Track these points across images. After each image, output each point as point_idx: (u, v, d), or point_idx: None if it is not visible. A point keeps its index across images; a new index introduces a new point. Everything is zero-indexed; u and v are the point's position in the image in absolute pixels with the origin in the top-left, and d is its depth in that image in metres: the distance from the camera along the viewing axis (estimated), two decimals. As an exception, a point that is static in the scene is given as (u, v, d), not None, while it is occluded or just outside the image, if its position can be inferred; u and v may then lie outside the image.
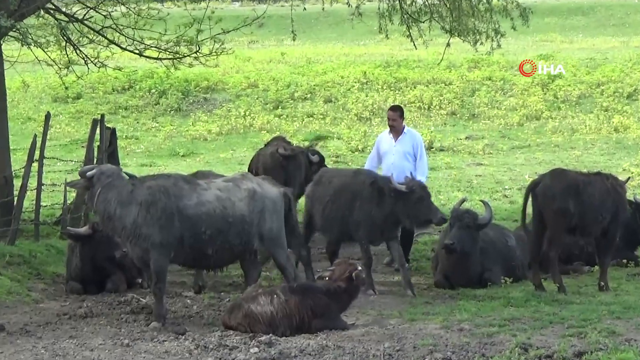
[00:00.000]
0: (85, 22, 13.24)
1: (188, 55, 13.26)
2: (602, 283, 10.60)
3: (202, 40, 12.88)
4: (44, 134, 13.00)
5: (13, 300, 10.02)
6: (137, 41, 13.19)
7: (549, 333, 8.55)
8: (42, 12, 13.02)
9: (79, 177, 9.44)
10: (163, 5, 13.94)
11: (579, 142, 22.39)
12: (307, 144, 17.78)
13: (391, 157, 11.94)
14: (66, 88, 19.84)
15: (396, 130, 12.03)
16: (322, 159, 13.77)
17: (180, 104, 26.51)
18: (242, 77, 28.45)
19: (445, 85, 26.81)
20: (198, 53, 13.14)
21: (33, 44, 12.14)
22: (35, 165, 12.70)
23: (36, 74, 26.65)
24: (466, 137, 23.00)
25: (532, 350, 7.90)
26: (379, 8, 13.79)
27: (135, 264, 9.85)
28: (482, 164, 20.29)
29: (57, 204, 14.14)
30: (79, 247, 10.60)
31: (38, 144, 12.67)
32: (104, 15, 13.31)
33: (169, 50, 13.23)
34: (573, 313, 9.26)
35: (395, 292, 10.67)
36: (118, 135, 15.31)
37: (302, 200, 14.57)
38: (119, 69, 14.47)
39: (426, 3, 13.83)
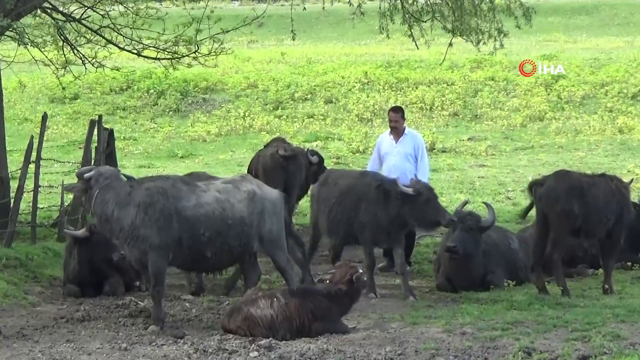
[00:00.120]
0: (83, 21, 13.22)
1: (187, 55, 13.22)
2: (607, 286, 10.56)
3: (201, 40, 12.83)
4: (41, 135, 12.96)
5: (9, 304, 9.96)
6: (135, 41, 13.16)
7: (553, 337, 8.49)
8: (39, 11, 12.98)
9: (76, 179, 9.40)
10: (161, 4, 13.90)
11: (582, 143, 22.33)
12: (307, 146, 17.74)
13: (392, 158, 11.90)
14: (63, 88, 19.83)
15: (397, 132, 11.99)
16: (321, 159, 13.72)
17: (179, 104, 26.44)
18: (242, 77, 28.40)
19: (448, 85, 26.76)
20: (197, 53, 13.10)
21: (30, 44, 12.17)
22: (32, 166, 12.67)
23: (33, 74, 26.58)
24: (468, 138, 22.94)
25: (536, 355, 7.88)
26: (380, 7, 13.73)
27: (133, 267, 9.77)
28: (484, 166, 20.23)
29: (54, 205, 14.10)
30: (77, 249, 10.55)
31: (35, 145, 12.63)
32: (101, 15, 13.28)
33: (167, 50, 13.19)
34: (577, 316, 9.20)
35: (396, 295, 10.62)
36: (116, 136, 15.28)
37: (302, 202, 14.63)
38: (116, 69, 14.39)
39: (428, 2, 13.77)
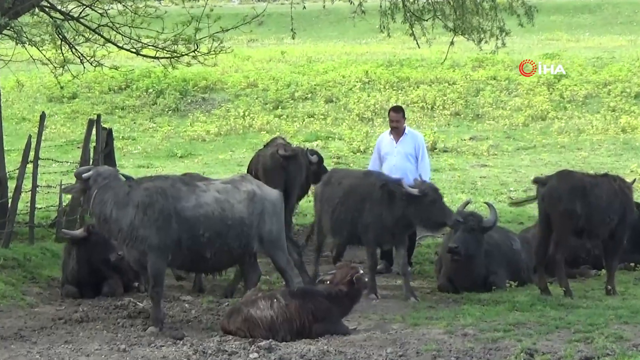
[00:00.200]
0: (81, 20, 13.16)
1: (186, 54, 13.16)
2: (610, 287, 10.51)
3: (200, 39, 12.76)
4: (39, 134, 12.90)
5: (7, 305, 9.92)
6: (134, 40, 13.11)
7: (555, 338, 8.47)
8: (37, 10, 12.90)
9: (75, 179, 9.37)
10: (160, 3, 13.83)
11: (585, 143, 22.30)
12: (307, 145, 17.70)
13: (393, 158, 11.87)
14: (61, 88, 19.78)
15: (398, 131, 11.96)
16: (320, 159, 13.66)
17: (178, 104, 26.39)
18: (242, 76, 28.37)
19: (449, 84, 26.73)
20: (196, 52, 13.04)
21: (28, 43, 12.14)
22: (30, 166, 12.61)
23: (31, 73, 26.56)
24: (470, 138, 22.90)
25: (538, 356, 7.88)
26: (380, 6, 13.68)
27: (132, 267, 9.75)
28: (486, 166, 20.19)
29: (52, 206, 14.08)
30: (76, 249, 10.51)
31: (33, 145, 12.58)
32: (100, 14, 13.23)
33: (166, 49, 13.13)
34: (580, 318, 9.18)
35: (398, 296, 10.59)
36: (114, 135, 15.31)
37: (302, 202, 14.57)
38: (115, 68, 14.34)
39: (429, 1, 13.71)
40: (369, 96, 26.06)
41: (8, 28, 11.69)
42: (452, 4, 13.46)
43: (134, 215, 8.92)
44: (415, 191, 10.34)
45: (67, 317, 9.49)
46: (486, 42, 13.85)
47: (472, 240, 10.59)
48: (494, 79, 27.13)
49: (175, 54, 13.22)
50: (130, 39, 13.10)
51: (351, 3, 13.75)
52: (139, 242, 8.93)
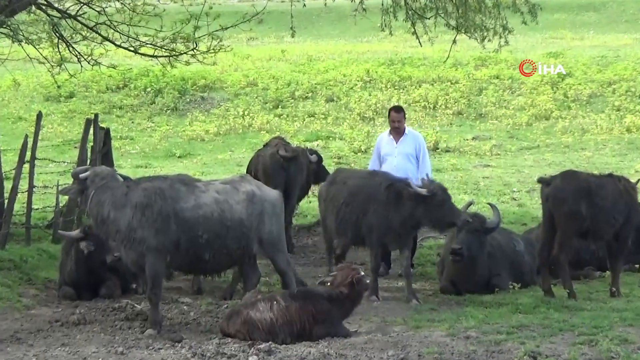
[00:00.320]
0: (79, 18, 13.12)
1: (185, 53, 13.11)
2: (614, 289, 10.49)
3: (199, 37, 12.71)
4: (36, 134, 12.90)
5: (3, 307, 9.88)
6: (132, 38, 13.06)
7: (559, 341, 8.44)
8: (33, 7, 12.90)
9: (72, 179, 9.34)
10: (159, 0, 13.72)
11: (589, 142, 22.29)
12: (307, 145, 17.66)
13: (393, 159, 11.82)
14: (58, 87, 19.75)
15: (398, 132, 11.92)
16: (320, 158, 13.61)
17: (176, 103, 26.35)
18: (241, 75, 28.36)
19: (452, 84, 26.72)
20: (195, 50, 12.99)
21: (24, 41, 12.10)
22: (26, 166, 12.60)
23: (27, 72, 26.55)
24: (473, 138, 22.88)
25: (541, 359, 7.87)
26: (382, 4, 13.64)
27: (129, 269, 9.61)
28: (489, 166, 20.18)
29: (49, 206, 14.07)
30: (74, 250, 10.45)
31: (29, 145, 12.56)
32: (97, 11, 13.22)
33: (165, 47, 13.08)
34: (584, 320, 9.15)
35: (399, 298, 10.56)
36: (112, 135, 15.29)
37: (302, 203, 14.51)
38: (113, 67, 14.28)
39: (431, -1, 13.66)
40: (370, 95, 26.02)
41: (4, 26, 11.68)
42: (454, 1, 13.45)
43: (131, 216, 8.87)
44: (424, 191, 10.27)
45: (64, 319, 9.45)
46: (489, 40, 13.85)
47: (475, 241, 10.56)
48: (497, 78, 27.12)
49: (174, 53, 13.17)
50: (129, 37, 13.05)
51: (352, 1, 13.74)
52: (136, 243, 8.88)
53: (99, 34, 13.16)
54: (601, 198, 10.33)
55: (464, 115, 25.10)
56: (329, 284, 8.90)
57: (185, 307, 9.97)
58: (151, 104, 26.47)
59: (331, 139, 22.97)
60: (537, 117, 24.46)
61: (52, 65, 13.57)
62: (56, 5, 13.22)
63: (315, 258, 12.87)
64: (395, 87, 26.74)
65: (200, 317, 9.50)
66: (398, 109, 12.13)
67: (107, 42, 13.26)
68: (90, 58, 13.42)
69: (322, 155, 14.06)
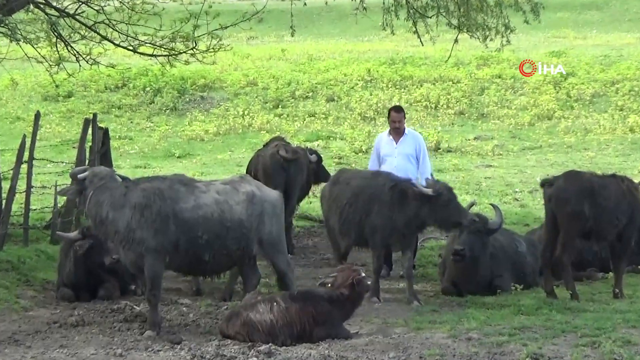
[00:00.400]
0: (77, 17, 13.10)
1: (184, 52, 13.09)
2: (617, 290, 10.46)
3: (199, 36, 12.69)
4: (34, 134, 12.86)
5: (1, 308, 9.84)
6: (131, 37, 13.05)
7: (561, 342, 8.41)
8: (31, 6, 12.86)
9: (70, 179, 9.38)
10: (158, -1, 13.67)
11: (592, 142, 22.28)
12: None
13: (393, 159, 11.79)
14: (57, 86, 19.71)
15: (398, 132, 11.89)
16: (320, 158, 13.57)
17: (176, 102, 26.30)
18: (241, 74, 28.33)
19: (453, 83, 26.69)
20: (195, 49, 12.98)
21: (22, 40, 12.06)
22: (24, 166, 12.57)
23: (25, 72, 26.51)
24: (475, 138, 22.85)
25: None
26: (383, 3, 13.63)
27: (128, 270, 9.61)
28: (491, 166, 20.18)
29: (47, 207, 14.02)
30: (73, 251, 10.42)
31: (27, 145, 12.54)
32: (96, 10, 13.19)
33: (164, 46, 13.06)
34: (586, 321, 9.11)
35: (400, 299, 10.53)
36: (111, 135, 15.27)
37: (302, 204, 14.46)
38: (112, 66, 14.22)
39: (433, -3, 13.61)
40: (371, 95, 25.98)
41: (2, 25, 11.67)
42: (456, 0, 13.39)
43: (130, 217, 8.84)
44: (429, 191, 10.23)
45: (63, 320, 9.42)
46: (491, 39, 13.83)
47: (477, 242, 10.52)
48: (499, 77, 27.09)
49: (173, 52, 13.15)
50: (127, 36, 13.03)
51: (353, 0, 13.65)
52: (135, 244, 8.85)
53: (98, 33, 13.13)
54: (604, 198, 10.29)
55: (466, 115, 25.07)
56: (329, 285, 8.85)
57: (184, 308, 9.94)
58: (150, 104, 26.42)
59: (332, 139, 22.93)
60: (539, 117, 24.42)
61: (51, 65, 13.54)
62: (54, 3, 13.19)
63: (316, 259, 12.83)
64: (397, 87, 26.70)
65: (200, 319, 9.47)
66: (398, 109, 12.09)
67: (105, 41, 13.25)
68: (88, 57, 13.40)
69: (322, 155, 14.04)
